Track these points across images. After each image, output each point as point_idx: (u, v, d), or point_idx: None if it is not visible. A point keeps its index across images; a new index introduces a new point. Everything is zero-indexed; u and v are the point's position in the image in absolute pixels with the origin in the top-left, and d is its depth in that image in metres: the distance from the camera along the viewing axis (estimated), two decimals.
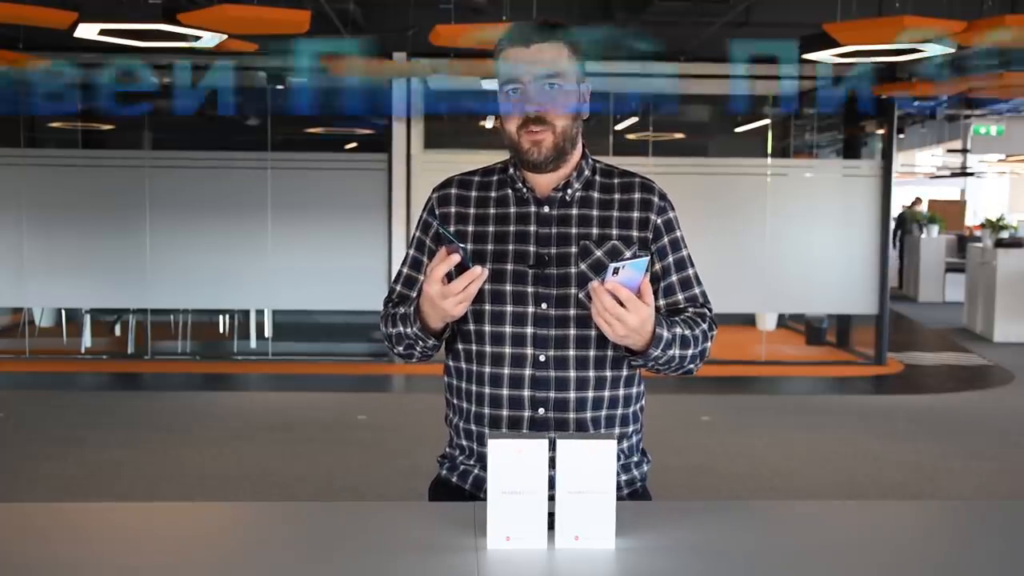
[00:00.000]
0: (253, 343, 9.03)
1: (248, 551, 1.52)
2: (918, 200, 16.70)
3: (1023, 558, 1.53)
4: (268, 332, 9.00)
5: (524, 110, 1.80)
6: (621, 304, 1.63)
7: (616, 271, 1.61)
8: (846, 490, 5.03)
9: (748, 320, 10.38)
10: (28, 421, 6.39)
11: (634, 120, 9.78)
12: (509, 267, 1.83)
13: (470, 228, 1.88)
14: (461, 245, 1.65)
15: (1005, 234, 11.04)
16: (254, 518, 1.74)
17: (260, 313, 9.02)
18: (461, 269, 1.67)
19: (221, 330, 9.32)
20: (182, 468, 5.27)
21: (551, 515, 1.50)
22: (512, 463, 1.48)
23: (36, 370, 8.33)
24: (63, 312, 9.26)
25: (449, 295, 1.67)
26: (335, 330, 9.28)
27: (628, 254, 1.84)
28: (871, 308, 8.65)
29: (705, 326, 1.86)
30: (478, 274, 1.67)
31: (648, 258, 1.67)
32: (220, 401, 7.21)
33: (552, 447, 1.51)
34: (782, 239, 8.55)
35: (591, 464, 1.48)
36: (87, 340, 8.85)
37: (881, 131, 8.88)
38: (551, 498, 1.49)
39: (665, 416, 6.57)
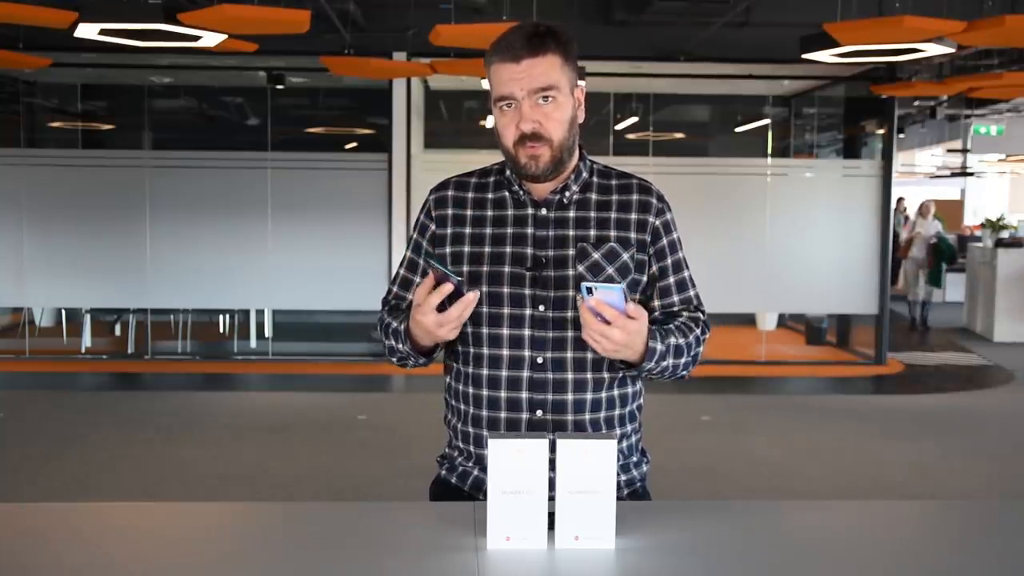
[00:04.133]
0: (253, 343, 9.03)
1: (248, 551, 1.52)
2: (900, 200, 16.58)
3: (1023, 558, 1.53)
4: (268, 332, 9.01)
5: (519, 127, 1.78)
6: (607, 322, 1.63)
7: (589, 291, 1.61)
8: (846, 490, 5.03)
9: (748, 320, 10.39)
10: (28, 421, 6.39)
11: (634, 120, 9.79)
12: (506, 269, 1.82)
13: (467, 230, 1.87)
14: (458, 278, 1.65)
15: (1005, 234, 11.04)
16: (254, 518, 1.74)
17: (260, 313, 9.02)
18: (454, 296, 1.67)
19: (221, 330, 9.32)
20: (182, 468, 5.27)
21: (551, 515, 1.50)
22: (512, 463, 1.48)
23: (36, 370, 8.33)
24: (63, 312, 9.26)
25: (444, 324, 1.69)
26: (335, 330, 9.28)
27: (625, 256, 1.84)
28: (871, 308, 8.65)
29: (698, 331, 1.87)
30: (471, 301, 1.67)
31: (623, 286, 1.65)
32: (220, 401, 7.21)
33: (552, 448, 1.51)
34: (782, 239, 8.55)
35: (591, 464, 1.48)
36: (87, 340, 8.85)
37: (881, 131, 8.89)
38: (551, 498, 1.49)
39: (665, 416, 6.57)
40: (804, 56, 5.87)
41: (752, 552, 1.52)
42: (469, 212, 1.89)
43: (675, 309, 1.89)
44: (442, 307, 1.68)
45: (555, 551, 1.48)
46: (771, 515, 1.73)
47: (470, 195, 1.91)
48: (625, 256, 1.83)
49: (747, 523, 1.64)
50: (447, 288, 1.65)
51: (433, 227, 1.91)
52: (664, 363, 1.77)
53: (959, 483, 5.24)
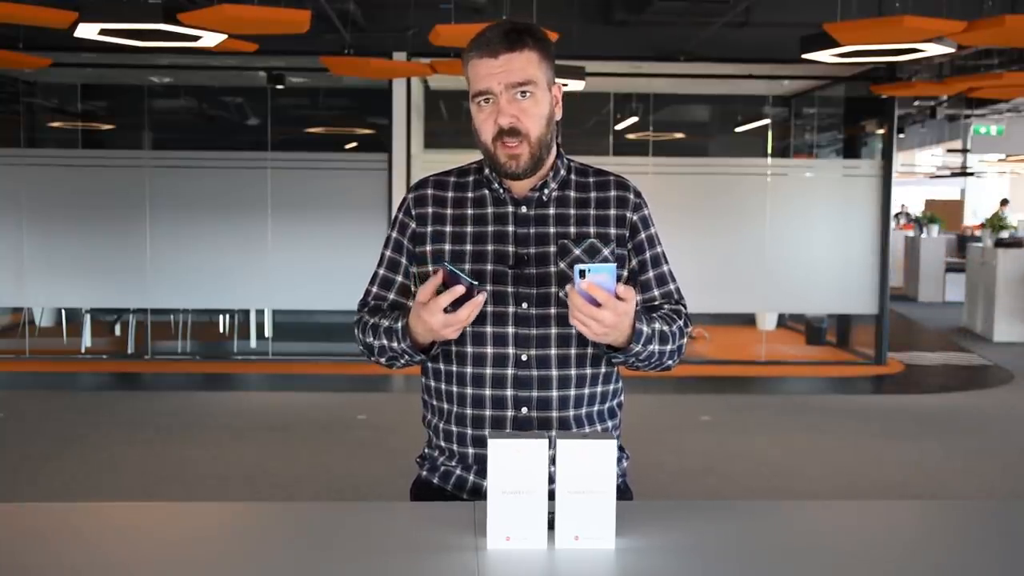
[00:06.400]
0: (253, 343, 9.03)
1: (248, 551, 1.52)
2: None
3: (1023, 558, 1.53)
4: (268, 332, 9.01)
5: (497, 121, 1.79)
6: (598, 305, 1.62)
7: (583, 274, 1.61)
8: (846, 490, 5.03)
9: (748, 320, 10.39)
10: (28, 421, 6.39)
11: (634, 120, 9.79)
12: (488, 267, 1.83)
13: (448, 228, 1.88)
14: (472, 281, 1.65)
15: (1005, 234, 11.03)
16: (254, 518, 1.74)
17: (260, 313, 9.02)
18: (463, 297, 1.66)
19: (221, 330, 9.32)
20: (182, 468, 5.27)
21: (551, 515, 1.50)
22: (512, 463, 1.48)
23: (36, 370, 8.33)
24: (63, 312, 9.26)
25: (452, 324, 1.68)
26: (335, 330, 9.27)
27: (606, 251, 1.85)
28: (871, 308, 8.65)
29: (681, 322, 1.88)
30: (480, 302, 1.67)
31: (615, 264, 1.67)
32: (220, 401, 7.21)
33: (552, 446, 1.51)
34: (782, 239, 8.55)
35: (591, 464, 1.48)
36: (87, 340, 8.85)
37: (881, 131, 8.89)
38: (551, 498, 1.50)
39: (665, 416, 6.57)
40: (804, 56, 5.86)
41: (752, 552, 1.52)
42: (449, 211, 1.90)
43: (656, 303, 1.91)
44: (449, 307, 1.68)
45: (555, 551, 1.48)
46: (771, 515, 1.73)
47: (449, 194, 1.92)
48: (606, 251, 1.85)
49: (747, 523, 1.64)
50: (459, 290, 1.65)
51: (413, 225, 1.92)
52: (650, 347, 1.77)
53: (959, 483, 5.24)
